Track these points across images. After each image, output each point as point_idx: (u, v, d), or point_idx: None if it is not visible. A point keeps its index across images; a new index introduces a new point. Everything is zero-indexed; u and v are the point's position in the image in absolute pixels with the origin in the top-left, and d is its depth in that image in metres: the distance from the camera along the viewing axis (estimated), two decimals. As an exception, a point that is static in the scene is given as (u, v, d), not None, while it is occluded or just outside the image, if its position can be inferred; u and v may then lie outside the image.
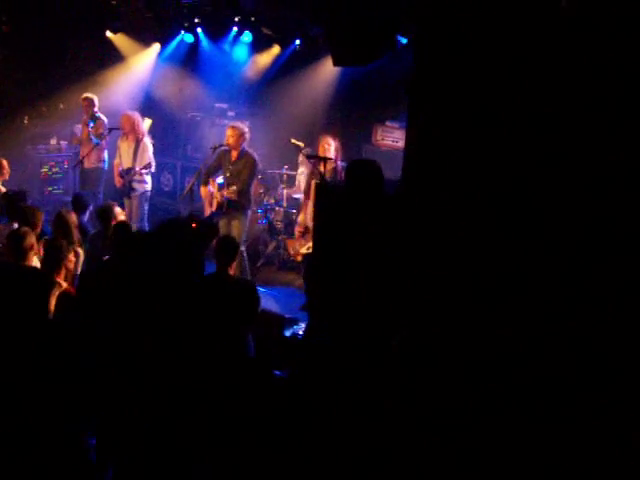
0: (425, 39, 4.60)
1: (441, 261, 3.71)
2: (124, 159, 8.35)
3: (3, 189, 7.04)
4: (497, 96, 3.69)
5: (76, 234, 5.83)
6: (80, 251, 5.70)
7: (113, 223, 5.99)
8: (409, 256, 3.92)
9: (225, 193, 7.17)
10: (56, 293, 4.74)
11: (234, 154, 7.24)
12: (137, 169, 8.18)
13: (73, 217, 5.91)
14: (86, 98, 8.93)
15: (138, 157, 8.26)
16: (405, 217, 4.22)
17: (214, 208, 7.31)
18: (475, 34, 3.96)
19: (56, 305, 4.67)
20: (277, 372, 4.27)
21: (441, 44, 4.45)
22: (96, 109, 8.88)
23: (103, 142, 8.88)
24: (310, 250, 7.18)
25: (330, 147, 7.21)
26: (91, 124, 8.81)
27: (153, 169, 8.37)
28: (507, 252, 3.46)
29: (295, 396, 3.92)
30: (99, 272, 5.14)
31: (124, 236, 5.16)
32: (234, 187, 7.08)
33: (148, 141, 8.37)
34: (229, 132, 7.23)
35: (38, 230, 5.76)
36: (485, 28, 3.91)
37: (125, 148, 8.36)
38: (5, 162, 7.29)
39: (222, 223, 7.23)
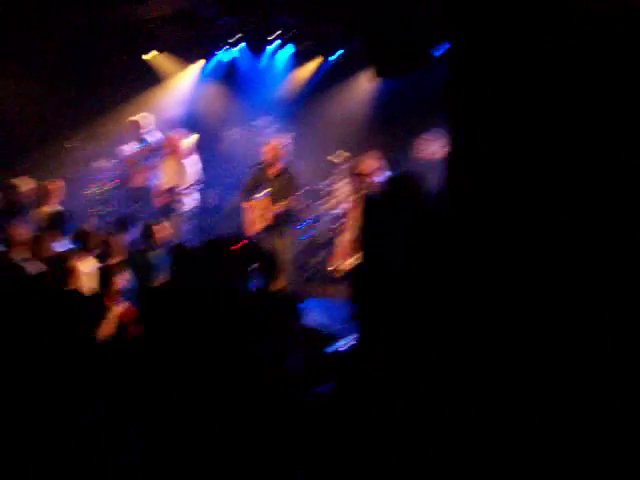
0: (462, 47, 4.59)
1: (486, 279, 3.67)
2: (166, 179, 8.47)
3: (52, 211, 7.23)
4: (541, 102, 3.65)
5: (121, 254, 5.95)
6: (127, 269, 5.81)
7: (155, 240, 6.12)
8: (452, 271, 3.89)
9: (273, 209, 7.17)
10: (110, 314, 4.92)
11: (273, 170, 7.27)
12: (181, 187, 8.30)
13: (117, 238, 6.03)
14: (132, 120, 9.12)
15: (182, 176, 8.38)
16: (447, 231, 4.21)
17: (260, 225, 7.30)
18: (515, 42, 3.94)
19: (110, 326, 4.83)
20: (319, 388, 4.27)
21: (479, 51, 4.44)
22: (142, 130, 9.06)
23: (149, 162, 9.06)
24: (352, 266, 7.20)
25: (372, 162, 7.21)
26: (138, 145, 9.00)
27: (196, 189, 8.48)
28: (560, 271, 3.38)
29: (339, 412, 3.92)
30: (148, 291, 5.25)
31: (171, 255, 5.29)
32: (284, 202, 7.09)
33: (192, 161, 8.48)
34: (267, 148, 7.27)
35: (95, 252, 5.92)
36: (525, 35, 3.88)
37: (167, 168, 8.49)
38: (50, 186, 7.48)
39: (269, 239, 7.25)
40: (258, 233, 7.28)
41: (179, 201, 8.38)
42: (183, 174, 8.42)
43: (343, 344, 5.73)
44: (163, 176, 8.55)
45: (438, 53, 6.72)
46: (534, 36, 3.65)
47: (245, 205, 7.52)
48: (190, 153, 8.51)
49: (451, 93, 4.74)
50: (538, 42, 3.61)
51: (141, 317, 4.91)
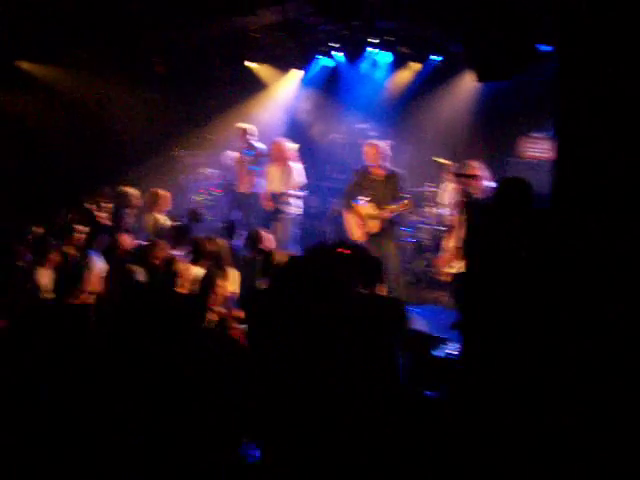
0: (571, 45, 4.45)
1: (597, 284, 3.54)
2: (273, 183, 8.64)
3: (161, 219, 7.46)
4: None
5: (228, 259, 6.05)
6: (234, 274, 5.92)
7: (261, 248, 6.21)
8: (561, 276, 3.78)
9: (380, 213, 7.18)
10: (213, 318, 5.05)
11: (377, 172, 7.22)
12: (286, 193, 8.44)
13: (222, 243, 6.14)
14: (240, 127, 9.34)
15: (287, 181, 8.53)
16: (556, 234, 4.08)
17: (365, 230, 7.30)
18: (628, 35, 3.79)
19: (214, 329, 4.94)
20: (427, 392, 4.23)
21: (589, 48, 4.29)
22: (249, 137, 9.26)
23: (256, 169, 9.27)
24: (458, 270, 7.08)
25: (476, 165, 7.09)
26: (247, 152, 9.21)
27: (302, 194, 8.63)
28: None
29: (447, 417, 3.88)
30: (253, 297, 5.36)
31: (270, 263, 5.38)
32: (391, 205, 7.06)
33: (297, 165, 8.62)
34: (367, 149, 7.25)
35: (201, 258, 6.07)
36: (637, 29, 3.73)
37: (274, 173, 8.65)
38: (161, 192, 7.72)
39: (376, 243, 7.19)
40: (364, 238, 7.25)
41: (286, 206, 8.51)
42: (290, 180, 8.57)
43: (447, 350, 5.66)
44: (270, 182, 8.69)
45: (545, 49, 6.53)
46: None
47: (348, 210, 7.46)
48: (295, 159, 8.63)
49: (560, 92, 4.61)
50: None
51: (244, 321, 5.02)
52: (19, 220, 7.45)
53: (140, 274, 5.74)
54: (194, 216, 7.04)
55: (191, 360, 4.26)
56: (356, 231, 7.37)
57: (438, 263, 7.55)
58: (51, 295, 5.58)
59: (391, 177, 7.18)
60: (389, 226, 7.15)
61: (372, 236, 7.19)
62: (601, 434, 3.25)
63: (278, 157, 8.59)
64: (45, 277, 5.95)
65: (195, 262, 5.83)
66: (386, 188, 7.14)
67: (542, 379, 3.74)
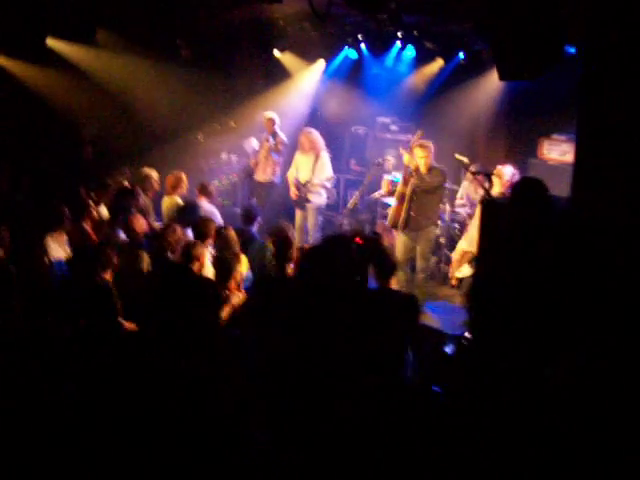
0: (596, 48, 4.44)
1: (618, 287, 3.54)
2: (302, 172, 8.70)
3: (180, 202, 7.52)
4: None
5: (237, 247, 6.10)
6: (243, 259, 5.98)
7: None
8: (580, 279, 3.78)
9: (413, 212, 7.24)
10: (234, 301, 5.17)
11: (423, 170, 7.23)
12: (315, 182, 8.50)
13: (232, 232, 6.20)
14: (267, 116, 9.39)
15: (317, 171, 8.58)
16: (575, 237, 4.08)
17: (397, 223, 7.35)
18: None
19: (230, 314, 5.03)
20: (436, 388, 4.25)
21: (614, 52, 4.28)
22: (276, 127, 9.31)
23: (277, 157, 9.32)
24: (465, 275, 7.14)
25: (497, 164, 7.11)
26: (272, 140, 9.26)
27: (328, 184, 8.73)
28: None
29: (453, 413, 3.90)
30: (265, 282, 5.42)
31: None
32: (430, 202, 7.21)
33: (326, 155, 8.67)
34: (420, 152, 7.20)
35: (210, 240, 6.14)
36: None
37: (304, 161, 8.71)
38: (184, 176, 7.77)
39: (407, 237, 7.33)
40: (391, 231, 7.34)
41: (315, 195, 8.62)
42: (320, 170, 8.65)
43: (456, 347, 5.68)
44: (299, 170, 8.76)
45: (571, 51, 6.49)
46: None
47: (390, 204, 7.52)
48: (322, 149, 8.68)
49: (584, 95, 4.60)
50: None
51: (257, 307, 5.07)
52: (38, 197, 7.55)
53: (144, 262, 5.85)
54: (247, 216, 7.08)
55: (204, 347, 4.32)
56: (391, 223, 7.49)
57: (452, 261, 7.57)
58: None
59: (434, 174, 7.25)
60: (425, 223, 7.23)
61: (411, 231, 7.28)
62: (613, 439, 3.26)
63: (309, 147, 8.63)
64: (60, 251, 6.05)
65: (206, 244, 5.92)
66: (427, 184, 7.20)
67: (553, 384, 3.75)
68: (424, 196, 7.18)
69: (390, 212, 7.53)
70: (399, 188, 7.31)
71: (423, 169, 7.15)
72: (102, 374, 4.15)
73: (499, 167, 7.27)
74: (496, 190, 6.93)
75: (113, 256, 5.43)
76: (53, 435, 3.74)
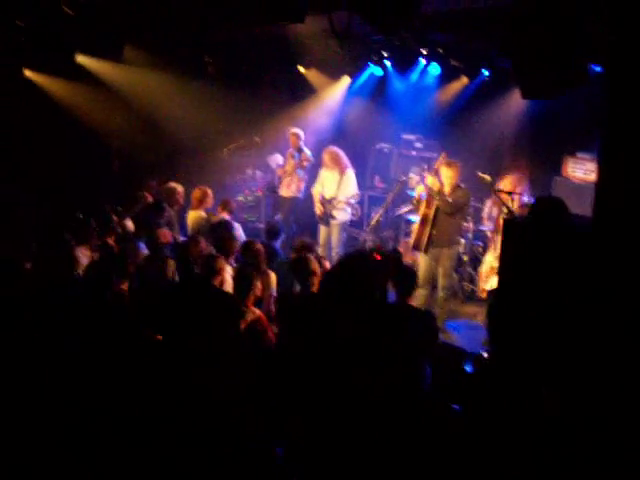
0: (622, 67, 4.42)
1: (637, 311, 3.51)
2: (327, 188, 8.74)
3: (205, 217, 7.59)
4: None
5: (264, 261, 6.13)
6: (272, 275, 6.00)
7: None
8: (600, 299, 3.75)
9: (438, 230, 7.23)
10: (248, 318, 5.12)
11: (447, 189, 7.24)
12: (340, 198, 8.55)
13: (260, 246, 6.22)
14: (293, 132, 9.47)
15: (342, 187, 8.61)
16: (597, 258, 4.05)
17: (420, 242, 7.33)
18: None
19: (248, 329, 5.03)
20: (455, 406, 4.23)
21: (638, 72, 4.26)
22: (301, 142, 9.38)
23: (302, 173, 9.38)
24: (492, 289, 7.10)
25: (518, 183, 7.08)
26: (297, 156, 9.32)
27: (353, 201, 8.75)
28: None
29: (471, 430, 3.88)
30: (289, 300, 5.44)
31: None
32: (455, 220, 7.23)
33: (352, 172, 8.71)
34: (447, 172, 7.21)
35: (231, 258, 6.18)
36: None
37: (329, 178, 8.75)
38: (210, 191, 7.84)
39: (431, 256, 7.31)
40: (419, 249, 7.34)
41: (340, 212, 8.67)
42: (346, 187, 8.69)
43: (475, 365, 5.64)
44: (324, 187, 8.81)
45: (596, 70, 6.46)
46: None
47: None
48: (348, 167, 8.71)
49: (608, 114, 4.58)
50: None
51: (278, 322, 5.09)
52: (68, 210, 7.66)
53: (170, 268, 5.89)
54: (271, 232, 7.14)
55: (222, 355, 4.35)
56: (415, 242, 7.47)
57: (476, 279, 7.55)
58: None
59: (459, 194, 7.26)
60: (448, 241, 7.23)
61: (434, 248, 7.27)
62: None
63: (332, 165, 8.67)
64: (85, 258, 6.13)
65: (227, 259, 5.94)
66: (452, 202, 7.20)
67: (571, 407, 3.73)
68: (447, 217, 7.16)
69: (413, 233, 7.52)
70: (422, 210, 7.30)
71: (447, 189, 7.13)
72: (115, 380, 4.19)
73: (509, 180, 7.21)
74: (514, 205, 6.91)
75: (131, 267, 5.47)
76: (67, 436, 3.79)
